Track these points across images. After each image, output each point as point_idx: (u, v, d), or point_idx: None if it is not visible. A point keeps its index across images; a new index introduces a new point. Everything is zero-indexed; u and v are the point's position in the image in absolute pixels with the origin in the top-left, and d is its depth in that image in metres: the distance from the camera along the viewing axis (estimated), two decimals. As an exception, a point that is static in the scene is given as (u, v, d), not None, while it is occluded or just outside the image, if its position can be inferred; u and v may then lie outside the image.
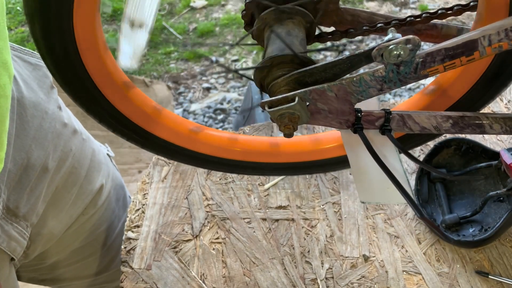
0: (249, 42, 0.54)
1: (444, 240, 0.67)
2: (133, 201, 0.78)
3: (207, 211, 0.75)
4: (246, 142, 0.64)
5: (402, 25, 0.52)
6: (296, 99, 0.47)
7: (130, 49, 0.49)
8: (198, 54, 2.50)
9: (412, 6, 2.65)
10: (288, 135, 0.50)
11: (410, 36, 0.43)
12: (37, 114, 0.61)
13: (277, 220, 0.73)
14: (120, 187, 0.85)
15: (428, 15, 0.51)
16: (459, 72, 0.54)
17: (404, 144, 0.63)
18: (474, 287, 0.62)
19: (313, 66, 0.48)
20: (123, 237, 0.73)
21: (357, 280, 0.65)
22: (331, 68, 0.47)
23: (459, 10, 0.50)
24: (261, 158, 0.65)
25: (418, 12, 0.57)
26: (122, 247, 0.72)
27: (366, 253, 0.67)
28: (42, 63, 0.63)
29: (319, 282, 0.65)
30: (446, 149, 0.73)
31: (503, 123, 0.51)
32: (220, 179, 0.79)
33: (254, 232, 0.71)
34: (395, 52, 0.43)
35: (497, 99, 0.85)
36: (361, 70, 0.48)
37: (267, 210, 0.74)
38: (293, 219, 0.72)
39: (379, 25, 0.52)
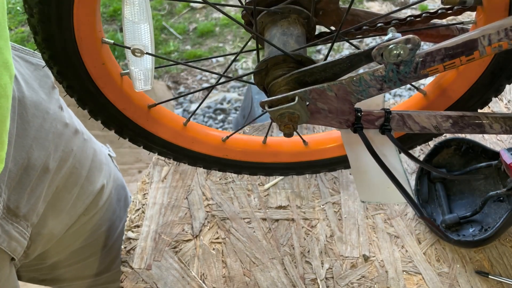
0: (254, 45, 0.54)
1: (444, 240, 0.67)
2: (133, 201, 0.78)
3: (207, 211, 0.75)
4: (275, 144, 0.65)
5: (402, 24, 0.52)
6: (296, 98, 0.47)
7: (141, 74, 0.51)
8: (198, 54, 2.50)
9: (412, 6, 2.65)
10: (288, 134, 0.50)
11: (410, 36, 0.43)
12: (38, 114, 0.61)
13: (277, 220, 0.73)
14: (122, 187, 0.85)
15: (428, 15, 0.51)
16: (459, 72, 0.54)
17: (404, 144, 0.63)
18: (474, 287, 0.62)
19: (313, 65, 0.48)
20: (123, 237, 0.73)
21: (357, 280, 0.65)
22: (331, 68, 0.47)
23: (459, 10, 0.50)
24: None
25: (418, 12, 0.57)
26: (122, 247, 0.72)
27: (366, 253, 0.67)
28: (43, 63, 0.63)
29: (319, 282, 0.65)
30: (446, 149, 0.73)
31: (503, 122, 0.51)
32: (220, 179, 0.79)
33: (254, 232, 0.71)
34: (395, 52, 0.43)
35: (497, 99, 0.85)
36: (361, 70, 0.48)
37: (267, 210, 0.74)
38: (293, 219, 0.72)
39: (379, 25, 0.52)
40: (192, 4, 2.86)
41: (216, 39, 2.64)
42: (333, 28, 0.54)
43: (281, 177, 0.78)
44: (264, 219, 0.73)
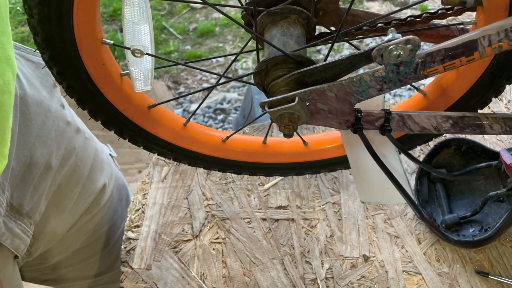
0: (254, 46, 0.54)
1: (444, 240, 0.67)
2: (133, 201, 0.78)
3: (207, 211, 0.75)
4: (275, 144, 0.65)
5: (402, 25, 0.52)
6: (296, 99, 0.47)
7: (141, 74, 0.51)
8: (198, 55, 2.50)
9: (413, 6, 2.65)
10: (288, 135, 0.50)
11: (410, 37, 0.43)
12: (40, 111, 0.61)
13: (277, 220, 0.73)
14: (123, 187, 0.85)
15: (428, 15, 0.51)
16: (459, 73, 0.54)
17: (404, 144, 0.63)
18: (474, 287, 0.62)
19: (313, 66, 0.48)
20: (123, 237, 0.73)
21: (357, 280, 0.65)
22: (331, 68, 0.47)
23: (459, 10, 0.50)
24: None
25: (418, 12, 0.57)
26: (122, 247, 0.72)
27: (366, 253, 0.67)
28: None
29: (319, 282, 0.65)
30: (446, 149, 0.73)
31: (503, 123, 0.51)
32: (220, 179, 0.79)
33: (254, 232, 0.71)
34: (395, 53, 0.43)
35: (497, 99, 0.85)
36: (361, 70, 0.48)
37: (267, 210, 0.74)
38: (293, 219, 0.72)
39: (379, 25, 0.52)
40: (192, 4, 2.86)
41: (216, 39, 2.64)
42: (333, 28, 0.54)
43: (281, 177, 0.78)
44: (264, 219, 0.73)
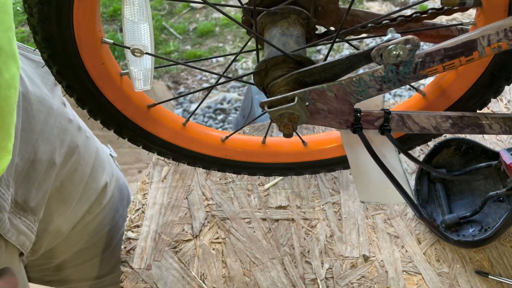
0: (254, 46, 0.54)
1: (444, 240, 0.67)
2: (133, 201, 0.78)
3: (207, 211, 0.75)
4: (275, 144, 0.65)
5: (393, 25, 0.52)
6: (296, 99, 0.47)
7: (140, 74, 0.51)
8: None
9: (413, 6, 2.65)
10: (288, 135, 0.50)
11: (409, 36, 0.43)
12: (42, 109, 0.61)
13: (277, 220, 0.73)
14: (124, 187, 0.85)
15: (418, 15, 0.51)
16: (458, 73, 0.54)
17: (404, 144, 0.63)
18: (474, 287, 0.62)
19: (312, 66, 0.48)
20: (123, 237, 0.73)
21: (357, 280, 0.65)
22: (331, 68, 0.47)
23: (450, 10, 0.50)
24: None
25: (418, 12, 0.57)
26: (122, 247, 0.72)
27: (366, 253, 0.67)
28: None
29: (319, 282, 0.65)
30: (446, 149, 0.73)
31: (502, 123, 0.51)
32: (220, 179, 0.79)
33: (254, 232, 0.71)
34: (394, 52, 0.43)
35: (497, 99, 0.85)
36: (361, 70, 0.48)
37: (267, 210, 0.74)
38: (293, 219, 0.72)
39: (370, 25, 0.52)
40: (192, 4, 2.86)
41: (216, 39, 2.64)
42: (332, 28, 0.54)
43: (281, 177, 0.78)
44: (264, 219, 0.73)
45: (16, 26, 2.77)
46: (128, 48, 0.47)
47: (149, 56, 0.48)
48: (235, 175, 0.79)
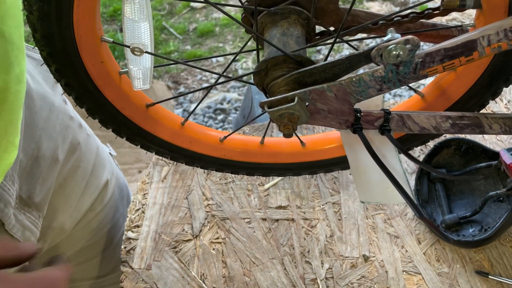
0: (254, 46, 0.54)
1: (444, 240, 0.67)
2: (133, 201, 0.78)
3: (207, 211, 0.75)
4: (273, 144, 0.65)
5: (389, 25, 0.52)
6: (296, 99, 0.47)
7: (139, 73, 0.51)
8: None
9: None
10: (288, 135, 0.50)
11: (409, 36, 0.43)
12: (45, 105, 0.62)
13: (277, 220, 0.73)
14: (124, 186, 0.85)
15: (415, 15, 0.51)
16: (457, 75, 0.54)
17: (404, 144, 0.63)
18: (474, 287, 0.62)
19: (312, 66, 0.48)
20: (123, 237, 0.73)
21: (357, 280, 0.65)
22: (331, 68, 0.47)
23: (445, 10, 0.50)
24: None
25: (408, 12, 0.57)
26: (122, 247, 0.72)
27: (366, 253, 0.67)
28: None
29: (319, 282, 0.65)
30: (446, 149, 0.73)
31: (502, 123, 0.51)
32: (220, 179, 0.79)
33: (254, 232, 0.71)
34: (394, 52, 0.43)
35: (497, 99, 0.85)
36: (361, 70, 0.48)
37: (267, 210, 0.74)
38: (293, 219, 0.72)
39: (376, 25, 0.52)
40: (192, 4, 2.86)
41: (216, 39, 2.64)
42: (332, 28, 0.54)
43: (281, 177, 0.78)
44: (264, 219, 0.73)
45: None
46: (128, 46, 0.47)
47: (149, 55, 0.48)
48: (235, 175, 0.79)
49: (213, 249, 0.70)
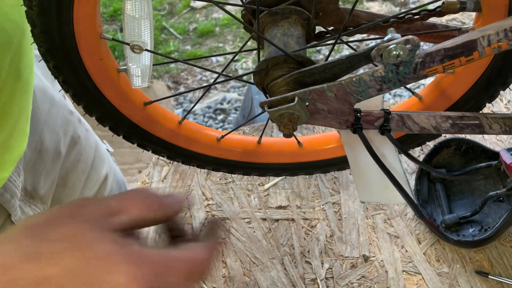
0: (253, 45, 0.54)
1: (443, 240, 0.67)
2: (133, 201, 0.78)
3: (207, 211, 0.75)
4: (270, 144, 0.65)
5: (386, 27, 0.52)
6: (296, 99, 0.47)
7: (138, 71, 0.51)
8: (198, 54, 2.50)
9: (412, 6, 2.65)
10: (288, 135, 0.50)
11: (410, 36, 0.43)
12: (46, 99, 0.62)
13: (277, 220, 0.73)
14: (122, 182, 0.86)
15: (411, 16, 0.51)
16: (456, 77, 0.54)
17: (404, 144, 0.63)
18: (474, 287, 0.62)
19: (312, 66, 0.48)
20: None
21: (357, 280, 0.65)
22: (331, 68, 0.47)
23: (442, 12, 0.50)
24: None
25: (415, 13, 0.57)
26: (122, 247, 0.72)
27: (366, 253, 0.67)
28: None
29: (319, 282, 0.65)
30: (446, 149, 0.73)
31: (502, 123, 0.51)
32: (220, 179, 0.79)
33: (254, 232, 0.71)
34: (394, 52, 0.43)
35: (497, 99, 0.85)
36: (361, 70, 0.48)
37: (267, 210, 0.74)
38: (293, 219, 0.72)
39: (379, 24, 0.52)
40: (192, 4, 2.86)
41: (216, 39, 2.64)
42: (332, 28, 0.54)
43: (281, 177, 0.78)
44: (264, 219, 0.73)
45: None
46: (128, 44, 0.47)
47: (148, 53, 0.48)
48: (235, 175, 0.79)
49: (213, 249, 0.70)
